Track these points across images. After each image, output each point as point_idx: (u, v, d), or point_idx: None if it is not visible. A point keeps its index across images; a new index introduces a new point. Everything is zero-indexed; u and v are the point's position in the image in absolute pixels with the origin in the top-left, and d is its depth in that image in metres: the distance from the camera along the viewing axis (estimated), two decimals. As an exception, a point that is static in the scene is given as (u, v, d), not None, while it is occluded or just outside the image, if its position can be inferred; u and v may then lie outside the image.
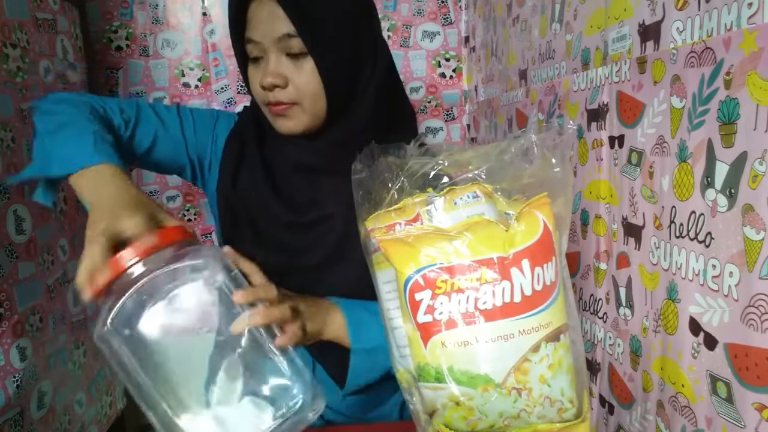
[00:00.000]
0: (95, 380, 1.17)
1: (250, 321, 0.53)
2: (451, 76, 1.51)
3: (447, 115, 1.53)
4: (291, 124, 0.73)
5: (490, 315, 0.45)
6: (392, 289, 0.49)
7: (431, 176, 0.51)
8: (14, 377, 0.86)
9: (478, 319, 0.45)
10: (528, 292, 0.45)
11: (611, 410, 0.80)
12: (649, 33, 0.66)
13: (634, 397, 0.74)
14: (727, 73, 0.52)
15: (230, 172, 0.80)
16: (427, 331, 0.45)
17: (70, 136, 0.63)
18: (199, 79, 1.41)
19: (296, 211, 0.77)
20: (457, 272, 0.45)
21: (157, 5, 1.38)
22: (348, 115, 0.75)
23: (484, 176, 0.49)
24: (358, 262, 0.64)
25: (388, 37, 1.45)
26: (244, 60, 0.74)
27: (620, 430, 0.78)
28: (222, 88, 1.42)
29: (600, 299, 0.81)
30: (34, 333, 0.92)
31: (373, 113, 0.76)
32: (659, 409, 0.67)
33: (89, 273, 0.51)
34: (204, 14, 1.39)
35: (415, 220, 0.49)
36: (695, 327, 0.59)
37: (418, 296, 0.45)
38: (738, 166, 0.52)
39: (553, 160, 0.49)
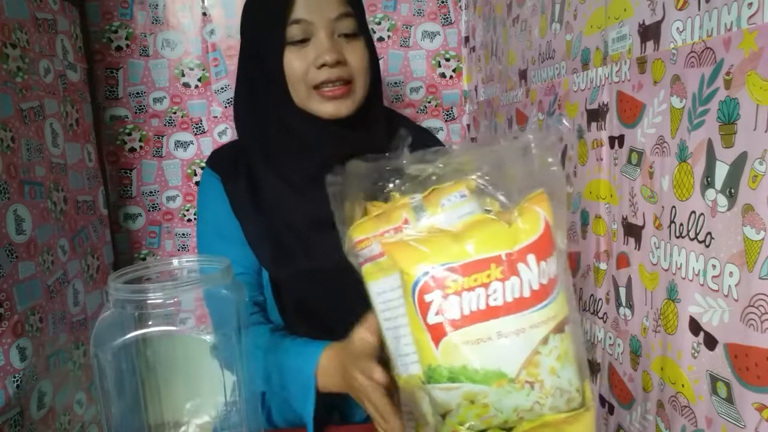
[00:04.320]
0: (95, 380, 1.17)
1: None
2: (451, 76, 1.51)
3: (447, 115, 1.53)
4: (344, 106, 0.75)
5: (501, 311, 0.45)
6: (387, 299, 0.49)
7: (433, 180, 0.50)
8: (14, 377, 0.86)
9: (489, 316, 0.44)
10: (535, 286, 0.45)
11: (611, 410, 0.80)
12: (649, 33, 0.66)
13: (634, 397, 0.74)
14: (727, 73, 0.52)
15: (247, 205, 0.81)
16: (438, 332, 0.45)
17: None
18: (199, 79, 1.41)
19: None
20: (466, 271, 0.45)
21: (157, 5, 1.38)
22: (376, 92, 0.81)
23: (480, 178, 0.49)
24: None
25: (389, 36, 1.46)
26: (280, 44, 0.74)
27: (620, 430, 0.78)
28: (222, 88, 1.42)
29: (600, 299, 0.81)
30: (34, 333, 0.92)
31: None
32: (659, 409, 0.67)
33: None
34: (204, 14, 1.39)
35: (402, 226, 0.48)
36: (695, 327, 0.59)
37: (427, 297, 0.45)
38: (738, 166, 0.52)
39: (549, 159, 0.49)
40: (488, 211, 0.48)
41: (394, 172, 0.50)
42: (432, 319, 0.45)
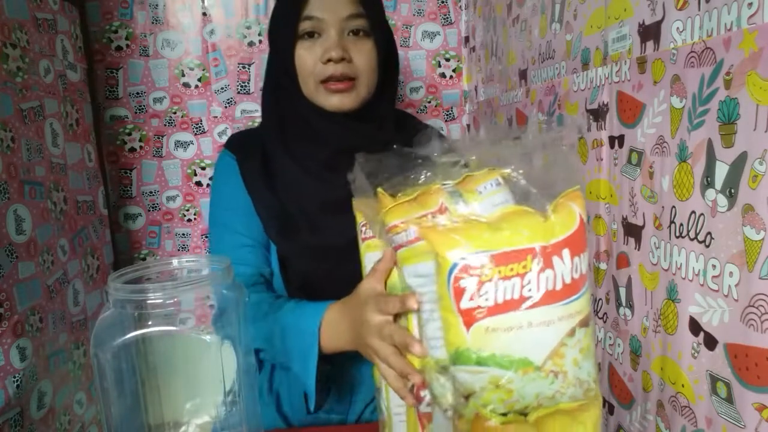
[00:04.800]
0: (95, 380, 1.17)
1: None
2: (451, 76, 1.51)
3: (447, 115, 1.53)
4: (348, 100, 0.79)
5: (533, 302, 0.46)
6: (421, 284, 0.50)
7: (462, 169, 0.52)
8: (14, 377, 0.86)
9: (522, 305, 0.46)
10: (568, 280, 0.47)
11: (611, 410, 0.80)
12: (649, 33, 0.66)
13: (634, 397, 0.74)
14: (727, 73, 0.52)
15: (261, 185, 0.84)
16: (470, 317, 0.46)
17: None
18: (199, 79, 1.41)
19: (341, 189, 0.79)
20: (503, 260, 0.45)
21: (157, 5, 1.38)
22: (384, 91, 0.84)
23: (513, 171, 0.50)
24: None
25: (388, 37, 1.46)
26: (292, 39, 0.79)
27: (620, 430, 0.78)
28: (222, 88, 1.42)
29: (600, 299, 0.81)
30: (34, 333, 0.92)
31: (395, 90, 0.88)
32: (659, 409, 0.67)
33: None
34: (204, 14, 1.39)
35: (440, 211, 0.49)
36: (695, 327, 0.59)
37: (462, 283, 0.46)
38: (738, 166, 0.52)
39: (572, 157, 0.50)
40: (532, 194, 0.49)
41: (424, 162, 0.51)
42: (465, 304, 0.46)
